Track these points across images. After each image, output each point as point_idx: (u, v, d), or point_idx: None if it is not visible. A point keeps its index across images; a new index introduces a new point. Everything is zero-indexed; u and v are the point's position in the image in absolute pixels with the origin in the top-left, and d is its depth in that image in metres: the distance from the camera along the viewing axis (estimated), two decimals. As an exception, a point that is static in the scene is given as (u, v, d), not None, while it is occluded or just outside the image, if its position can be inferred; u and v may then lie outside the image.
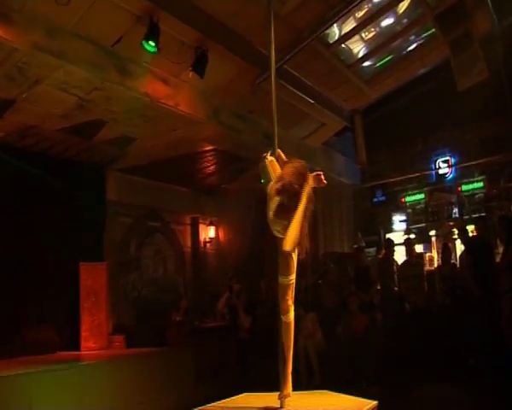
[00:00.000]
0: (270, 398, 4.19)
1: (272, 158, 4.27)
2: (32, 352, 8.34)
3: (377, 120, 12.39)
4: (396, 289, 9.76)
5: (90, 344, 9.24)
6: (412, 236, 12.42)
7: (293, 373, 4.14)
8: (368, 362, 8.38)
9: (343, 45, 9.91)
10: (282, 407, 4.04)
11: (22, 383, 6.50)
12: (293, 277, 4.07)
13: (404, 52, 10.71)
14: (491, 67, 9.07)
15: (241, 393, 4.77)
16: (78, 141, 9.29)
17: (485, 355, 7.97)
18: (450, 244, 10.72)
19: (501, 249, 8.90)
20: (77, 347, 9.13)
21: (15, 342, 8.54)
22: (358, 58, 10.34)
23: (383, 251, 10.87)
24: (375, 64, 10.83)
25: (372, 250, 13.13)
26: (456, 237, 11.71)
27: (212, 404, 4.37)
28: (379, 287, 9.88)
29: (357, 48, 10.18)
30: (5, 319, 8.64)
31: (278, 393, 4.06)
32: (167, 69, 8.15)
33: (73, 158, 9.78)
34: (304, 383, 8.34)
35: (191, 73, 7.79)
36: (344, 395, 4.27)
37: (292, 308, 4.12)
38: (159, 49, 7.21)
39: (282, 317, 4.12)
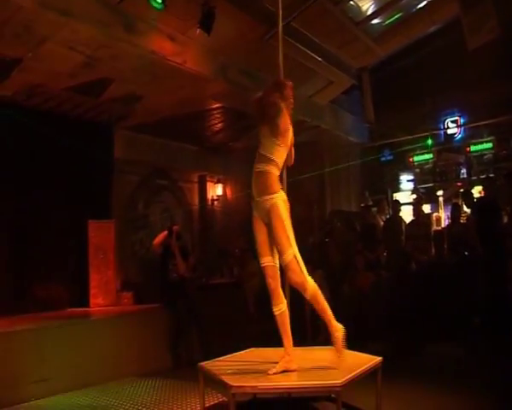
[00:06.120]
0: (277, 353, 4.27)
1: None
2: (42, 309, 8.49)
3: (385, 78, 12.27)
4: (402, 248, 9.81)
5: (98, 301, 9.34)
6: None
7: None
8: (373, 320, 8.47)
9: (351, 2, 9.82)
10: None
11: (35, 337, 6.66)
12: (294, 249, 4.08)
13: (414, 9, 10.59)
14: (503, 24, 8.91)
15: (248, 348, 4.86)
16: (85, 99, 9.26)
17: (490, 315, 8.03)
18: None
19: (508, 208, 8.89)
20: (86, 304, 9.26)
21: (27, 298, 8.67)
22: (367, 15, 10.24)
23: (387, 210, 10.96)
24: (383, 22, 10.71)
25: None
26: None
27: (221, 358, 4.46)
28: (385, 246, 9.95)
29: (366, 5, 10.07)
30: (16, 276, 8.78)
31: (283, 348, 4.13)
32: (174, 26, 8.10)
33: (81, 117, 9.75)
34: (310, 339, 8.46)
35: (198, 30, 7.73)
36: (349, 351, 4.33)
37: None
38: (165, 5, 7.17)
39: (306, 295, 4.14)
